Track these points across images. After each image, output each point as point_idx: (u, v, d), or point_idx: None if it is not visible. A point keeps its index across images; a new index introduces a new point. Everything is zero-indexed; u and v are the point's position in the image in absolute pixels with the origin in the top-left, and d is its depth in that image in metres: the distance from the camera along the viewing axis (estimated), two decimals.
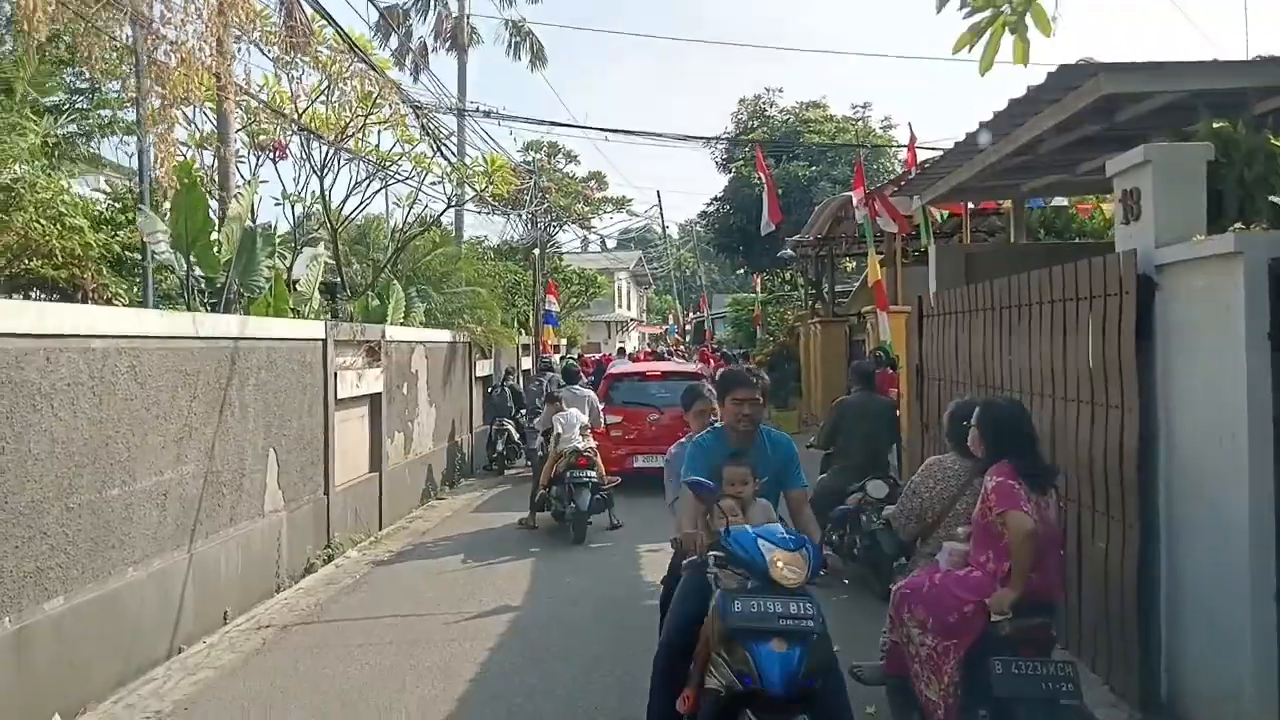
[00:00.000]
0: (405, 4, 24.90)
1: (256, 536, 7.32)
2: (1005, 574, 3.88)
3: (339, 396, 9.13)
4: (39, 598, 4.79)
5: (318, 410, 8.66)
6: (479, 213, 20.56)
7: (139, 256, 8.82)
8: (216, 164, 10.51)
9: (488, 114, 18.04)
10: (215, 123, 10.47)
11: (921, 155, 10.77)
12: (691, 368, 16.95)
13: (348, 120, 11.71)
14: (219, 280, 8.85)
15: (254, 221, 10.36)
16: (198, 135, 10.95)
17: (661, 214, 43.61)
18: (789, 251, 19.36)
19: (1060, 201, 12.64)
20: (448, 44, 24.47)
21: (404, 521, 10.79)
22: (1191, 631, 4.47)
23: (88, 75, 9.81)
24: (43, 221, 7.04)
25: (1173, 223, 4.59)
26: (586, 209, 30.81)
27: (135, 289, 9.18)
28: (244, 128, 11.45)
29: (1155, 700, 4.64)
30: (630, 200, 45.83)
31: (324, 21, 10.88)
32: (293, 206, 12.24)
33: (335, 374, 9.03)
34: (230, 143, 10.27)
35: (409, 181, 13.79)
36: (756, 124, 26.95)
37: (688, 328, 49.89)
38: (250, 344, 7.32)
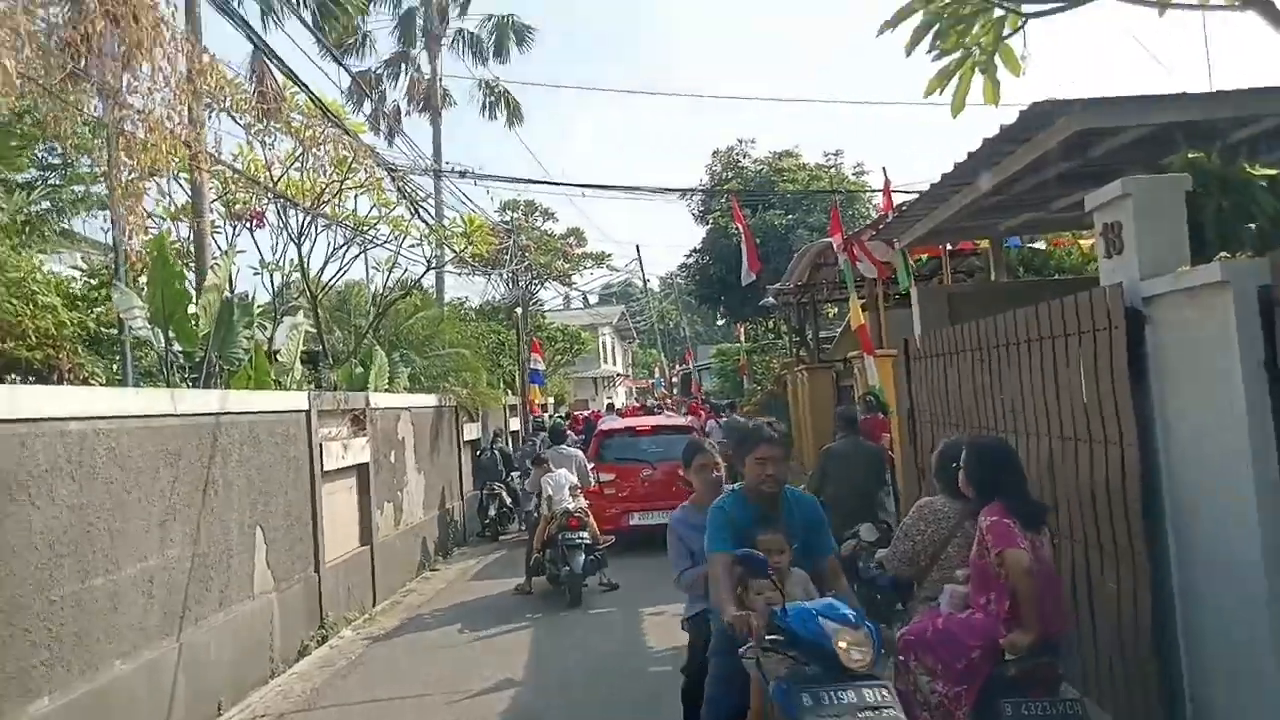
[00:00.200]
0: (377, 69, 25.19)
1: (247, 620, 7.11)
2: (1007, 614, 3.86)
3: (325, 468, 8.98)
4: (23, 700, 4.60)
5: (304, 484, 8.50)
6: (459, 274, 20.61)
7: (116, 333, 8.71)
8: (192, 235, 10.47)
9: (463, 174, 18.16)
10: (189, 193, 10.45)
11: (897, 199, 10.85)
12: (682, 421, 16.84)
13: (323, 186, 11.70)
14: (198, 354, 8.74)
15: (232, 292, 10.29)
16: (172, 207, 10.91)
17: (641, 268, 43.88)
18: (770, 300, 19.41)
19: (1038, 245, 12.76)
20: (421, 107, 24.72)
21: (398, 595, 10.55)
22: (1210, 674, 4.37)
23: (59, 150, 9.78)
24: (14, 301, 6.92)
25: (1156, 255, 4.58)
26: (567, 266, 30.93)
27: (114, 367, 9.05)
28: (219, 197, 11.43)
29: None
30: (610, 255, 45.99)
31: (296, 88, 10.94)
32: (271, 275, 12.18)
33: (321, 445, 8.89)
34: (205, 213, 10.23)
35: (388, 245, 13.79)
36: (731, 175, 27.25)
37: (674, 380, 49.86)
38: (232, 419, 7.19)
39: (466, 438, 15.23)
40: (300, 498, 8.39)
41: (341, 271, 13.29)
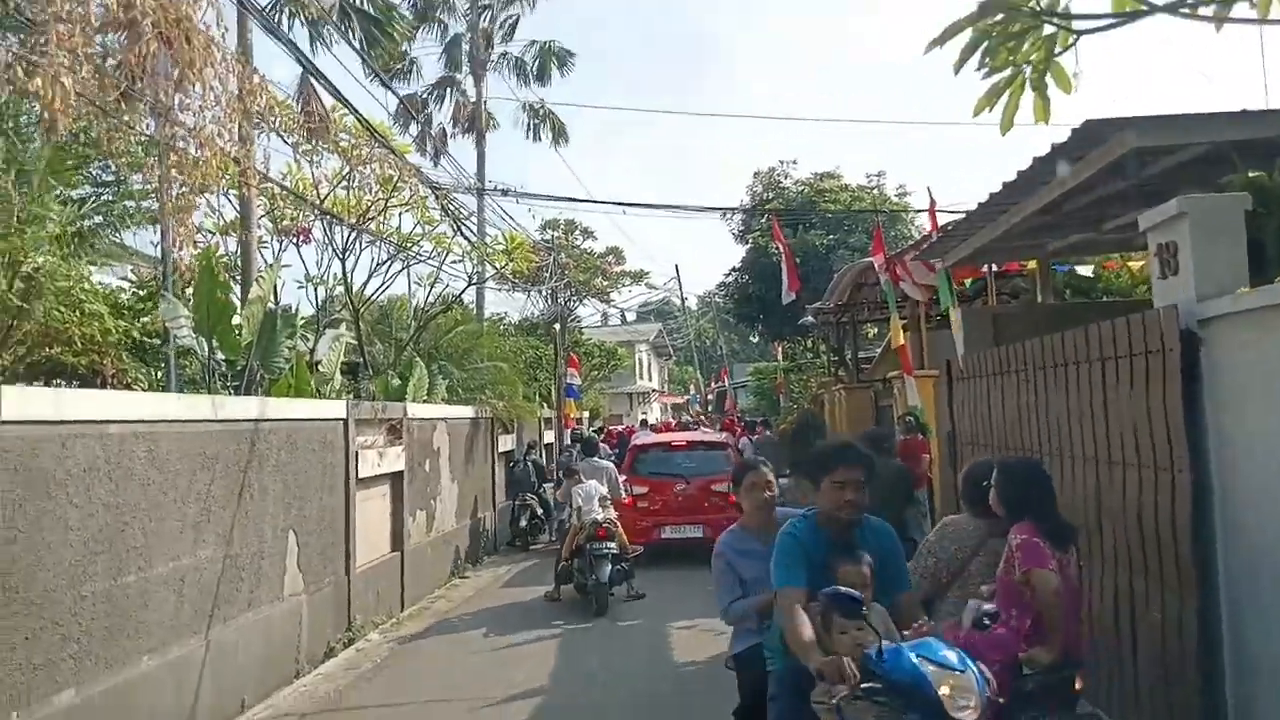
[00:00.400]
0: (423, 93, 25.51)
1: (276, 621, 7.13)
2: (1029, 630, 3.89)
3: (360, 476, 9.01)
4: (49, 690, 4.62)
5: (339, 490, 8.54)
6: (500, 289, 20.70)
7: (159, 343, 8.84)
8: (239, 250, 10.64)
9: (505, 192, 18.30)
10: (238, 209, 10.63)
11: (941, 219, 10.70)
12: (717, 437, 16.73)
13: (369, 204, 11.87)
14: (240, 363, 8.83)
15: (276, 303, 10.42)
16: (221, 222, 11.10)
17: (680, 286, 43.86)
18: (810, 319, 19.26)
19: (1085, 271, 12.53)
20: (466, 129, 24.99)
21: (426, 601, 10.56)
22: (1258, 704, 4.18)
23: (113, 168, 9.98)
24: (62, 309, 7.05)
25: (1213, 276, 4.43)
26: (605, 283, 31.00)
27: (157, 375, 9.18)
28: (267, 213, 11.62)
29: None
30: (648, 273, 46.11)
31: (343, 109, 11.12)
32: (315, 289, 12.33)
33: (356, 453, 8.93)
34: (253, 228, 10.40)
35: (430, 261, 13.92)
36: (772, 195, 27.14)
37: (710, 397, 49.69)
38: (270, 425, 7.25)
39: (501, 449, 15.26)
40: (334, 503, 8.43)
41: (384, 286, 13.48)
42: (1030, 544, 3.91)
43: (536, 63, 25.81)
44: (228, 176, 8.82)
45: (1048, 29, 4.77)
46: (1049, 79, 3.63)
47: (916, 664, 3.00)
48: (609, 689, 6.92)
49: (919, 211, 23.32)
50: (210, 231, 10.86)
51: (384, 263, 12.98)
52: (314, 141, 10.84)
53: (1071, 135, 5.01)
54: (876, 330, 23.96)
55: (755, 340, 32.19)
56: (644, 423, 28.77)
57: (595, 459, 11.74)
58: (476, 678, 7.35)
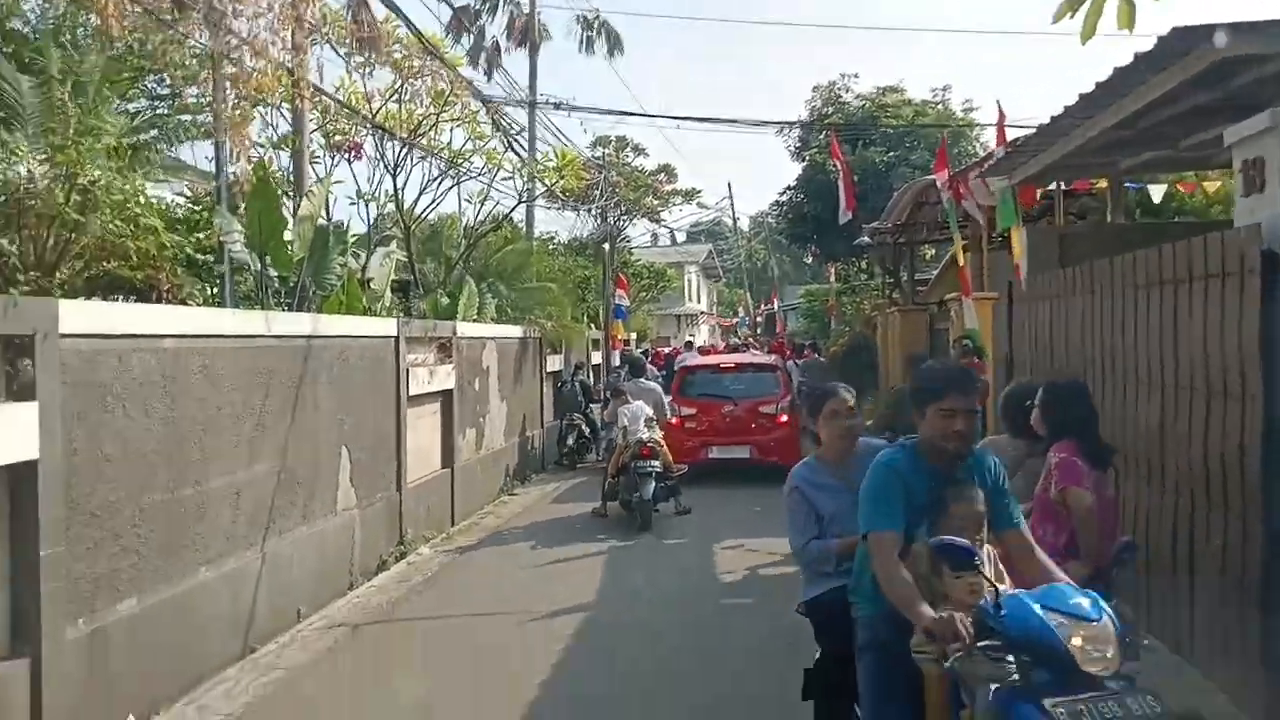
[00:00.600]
0: (477, 4, 25.01)
1: (330, 534, 7.30)
2: (1064, 545, 3.94)
3: (411, 393, 9.10)
4: (112, 599, 4.77)
5: (390, 407, 8.63)
6: (549, 208, 20.55)
7: (213, 259, 8.91)
8: (292, 164, 10.63)
9: (558, 105, 17.99)
10: (291, 122, 10.59)
11: (1009, 135, 10.23)
12: (766, 359, 16.61)
13: (420, 118, 11.74)
14: (292, 279, 8.88)
15: (328, 219, 10.43)
16: (274, 137, 11.09)
17: (732, 205, 43.25)
18: (866, 239, 18.83)
19: (1156, 192, 11.95)
20: (519, 41, 24.53)
21: (476, 517, 10.75)
22: None
23: (168, 81, 9.95)
24: (119, 223, 7.09)
25: None
26: (656, 202, 30.57)
27: (212, 291, 9.29)
28: (319, 127, 11.56)
29: None
30: (700, 192, 45.50)
31: (396, 20, 10.92)
32: (366, 206, 12.33)
33: (407, 371, 8.99)
34: (305, 140, 10.36)
35: (481, 178, 13.81)
36: (831, 110, 26.26)
37: (759, 320, 49.34)
38: (323, 342, 7.30)
39: (549, 369, 15.31)
40: (386, 420, 8.53)
41: (435, 204, 13.45)
42: (1068, 463, 4.01)
43: None
44: (282, 88, 8.77)
45: None
46: None
47: (1042, 616, 2.66)
48: (654, 606, 6.99)
49: (985, 127, 22.44)
50: (263, 146, 10.89)
51: (435, 179, 12.93)
52: (367, 53, 10.70)
53: (1158, 43, 4.69)
54: (934, 252, 23.40)
55: (809, 262, 31.51)
56: (689, 344, 28.59)
57: (642, 380, 11.83)
58: (524, 591, 7.48)
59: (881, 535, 3.10)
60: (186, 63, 8.86)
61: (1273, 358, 4.27)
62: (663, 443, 10.37)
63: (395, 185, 12.22)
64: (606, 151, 29.86)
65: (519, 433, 13.42)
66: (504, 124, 14.83)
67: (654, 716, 5.00)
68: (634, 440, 10.03)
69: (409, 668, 5.78)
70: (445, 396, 10.32)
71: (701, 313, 52.96)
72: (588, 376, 16.34)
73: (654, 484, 9.82)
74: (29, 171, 6.07)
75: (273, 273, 8.73)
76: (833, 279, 31.82)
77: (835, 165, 18.75)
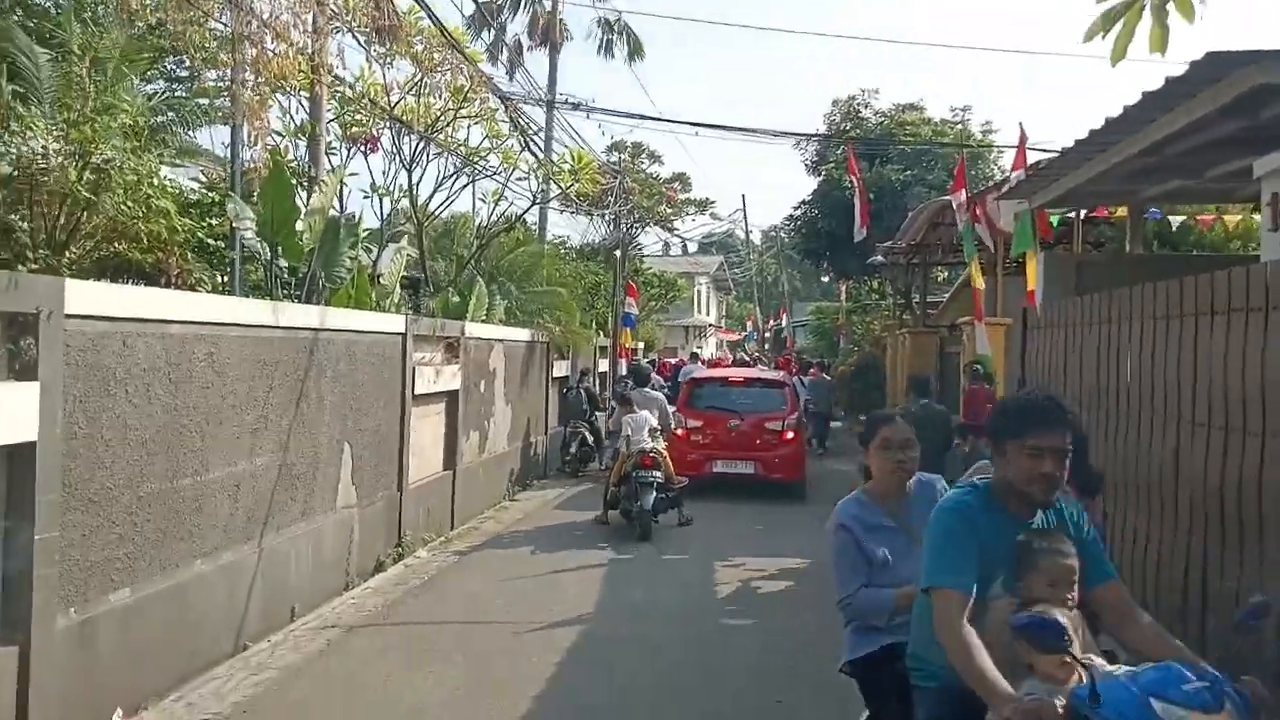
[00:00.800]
0: (499, 1, 25.06)
1: (328, 532, 7.21)
2: None
3: (416, 392, 9.02)
4: (104, 589, 4.70)
5: (394, 405, 8.56)
6: (563, 211, 20.48)
7: (224, 245, 8.86)
8: (308, 153, 10.58)
9: (576, 106, 17.92)
10: (308, 111, 10.55)
11: (1030, 158, 10.15)
12: (775, 375, 16.53)
13: (439, 113, 11.69)
14: (302, 270, 8.82)
15: (341, 211, 10.38)
16: (291, 126, 11.04)
17: (745, 217, 43.18)
18: (879, 258, 18.75)
19: (1177, 217, 11.86)
20: (541, 40, 24.56)
21: (476, 521, 10.66)
22: None
23: (188, 64, 9.93)
24: (130, 204, 7.03)
25: None
26: (669, 210, 30.52)
27: (222, 279, 9.23)
28: (337, 118, 11.52)
29: None
30: (714, 202, 45.48)
31: (421, 13, 10.88)
32: (380, 200, 12.27)
33: (413, 369, 8.92)
34: (322, 130, 10.31)
35: (496, 177, 13.74)
36: (850, 126, 26.19)
37: (767, 335, 49.23)
38: (330, 335, 7.23)
39: (555, 375, 15.24)
40: (389, 418, 8.45)
41: (449, 200, 13.38)
42: None
43: None
44: (301, 73, 8.72)
45: None
46: (1170, 5, 3.28)
47: (1156, 710, 2.20)
48: (652, 619, 6.90)
49: (1004, 148, 22.34)
50: (280, 134, 10.84)
51: (450, 176, 12.87)
52: (387, 43, 10.67)
53: (1191, 67, 4.62)
54: (946, 274, 23.31)
55: (826, 280, 31.25)
56: (694, 356, 28.45)
57: (647, 389, 11.77)
58: (521, 599, 7.39)
59: (949, 594, 2.65)
60: (207, 45, 8.82)
61: None
62: (665, 453, 10.37)
63: (410, 180, 12.18)
64: (623, 157, 29.84)
65: (523, 437, 13.34)
66: (522, 122, 14.76)
67: None
68: (636, 449, 10.03)
69: (402, 673, 5.69)
70: (450, 397, 10.24)
71: (710, 325, 52.87)
72: (594, 384, 16.25)
73: (655, 494, 9.82)
74: (44, 147, 6.01)
75: (283, 263, 8.67)
76: (844, 297, 31.72)
77: (851, 181, 18.67)
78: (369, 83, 11.41)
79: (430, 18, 10.97)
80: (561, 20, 24.49)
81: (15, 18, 7.78)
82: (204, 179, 11.46)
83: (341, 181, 10.84)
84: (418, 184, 12.34)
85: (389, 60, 11.20)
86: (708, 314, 52.74)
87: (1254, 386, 4.38)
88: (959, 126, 25.15)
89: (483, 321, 12.18)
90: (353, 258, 9.55)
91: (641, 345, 25.84)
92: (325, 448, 7.16)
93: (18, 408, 4.07)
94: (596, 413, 14.76)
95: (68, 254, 6.75)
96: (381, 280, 10.95)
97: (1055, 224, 11.34)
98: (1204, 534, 4.89)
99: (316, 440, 7.01)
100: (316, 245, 8.73)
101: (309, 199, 9.34)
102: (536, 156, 15.39)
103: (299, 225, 8.53)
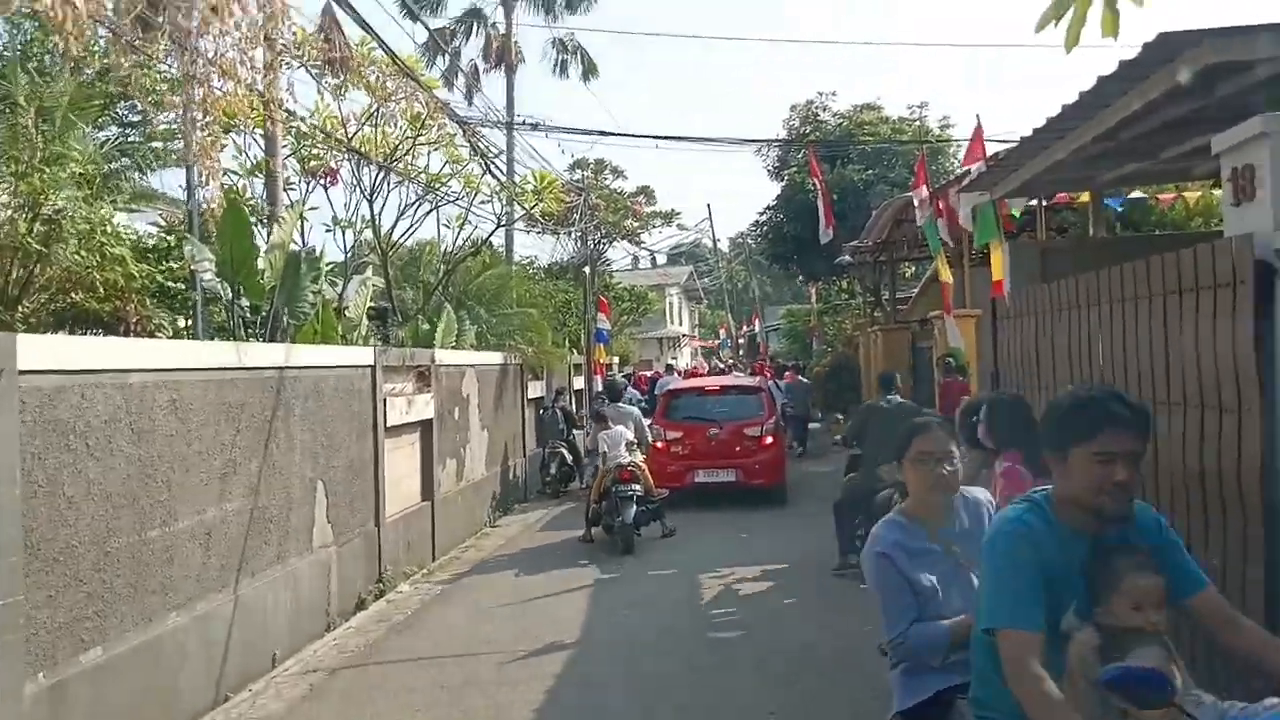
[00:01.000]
0: (451, 26, 25.03)
1: (305, 574, 7.06)
2: None
3: (389, 424, 8.89)
4: (75, 650, 4.54)
5: (367, 439, 8.42)
6: (529, 231, 20.44)
7: (185, 288, 8.71)
8: (265, 191, 10.45)
9: (535, 126, 17.94)
10: (263, 148, 10.43)
11: (988, 149, 10.21)
12: (751, 381, 16.51)
13: (396, 142, 11.61)
14: (265, 308, 8.69)
15: (302, 245, 10.25)
16: (247, 163, 10.92)
17: (712, 226, 43.35)
18: (846, 258, 18.83)
19: (1138, 195, 11.97)
20: (495, 63, 24.56)
21: (457, 551, 10.52)
22: None
23: (139, 108, 9.80)
24: (84, 253, 6.91)
25: None
26: (636, 224, 30.57)
27: (182, 322, 9.08)
28: (294, 153, 11.40)
29: None
30: (680, 214, 45.62)
31: (373, 43, 10.81)
32: (343, 232, 12.15)
33: (385, 401, 8.79)
34: (279, 166, 10.19)
35: (459, 202, 13.67)
36: (810, 129, 26.34)
37: (740, 341, 49.35)
38: (296, 373, 7.10)
39: (531, 395, 15.14)
40: (363, 452, 8.32)
41: (412, 229, 13.30)
42: (1012, 471, 4.19)
43: None
44: (254, 110, 8.61)
45: None
46: None
47: None
48: (640, 640, 6.80)
49: (962, 143, 22.54)
50: (236, 173, 10.73)
51: (412, 204, 12.79)
52: (340, 75, 10.59)
53: (1143, 49, 4.62)
54: (914, 270, 23.46)
55: (799, 280, 31.30)
56: (669, 368, 28.41)
57: (621, 404, 11.74)
58: (507, 627, 7.28)
59: (1018, 636, 2.30)
60: (156, 88, 8.72)
61: (1268, 371, 4.18)
62: (643, 466, 10.40)
63: (372, 211, 12.08)
64: (585, 174, 29.85)
65: (501, 462, 13.21)
66: (481, 146, 14.70)
67: None
68: (613, 465, 10.07)
69: (388, 713, 5.55)
70: (424, 426, 10.11)
71: (684, 335, 52.95)
72: (570, 402, 16.16)
73: (635, 507, 9.87)
74: None
75: (245, 302, 8.54)
76: (814, 299, 31.84)
77: (814, 184, 18.75)
78: (325, 115, 11.33)
79: (382, 47, 10.92)
80: (516, 42, 24.51)
81: None
82: (163, 223, 11.30)
83: (301, 216, 10.73)
84: (380, 213, 12.26)
85: (343, 92, 11.14)
86: (681, 324, 52.83)
87: (1226, 363, 4.38)
88: (916, 123, 25.37)
89: (453, 348, 12.07)
90: (316, 292, 9.42)
91: (616, 360, 25.78)
92: (298, 488, 7.02)
93: None
94: (574, 431, 14.68)
95: (21, 308, 6.61)
96: (347, 313, 10.82)
97: (1017, 216, 11.42)
98: (1187, 514, 4.88)
99: (288, 481, 6.87)
100: (278, 282, 8.60)
101: (269, 235, 9.21)
102: (498, 179, 15.34)
103: (259, 263, 8.41)
